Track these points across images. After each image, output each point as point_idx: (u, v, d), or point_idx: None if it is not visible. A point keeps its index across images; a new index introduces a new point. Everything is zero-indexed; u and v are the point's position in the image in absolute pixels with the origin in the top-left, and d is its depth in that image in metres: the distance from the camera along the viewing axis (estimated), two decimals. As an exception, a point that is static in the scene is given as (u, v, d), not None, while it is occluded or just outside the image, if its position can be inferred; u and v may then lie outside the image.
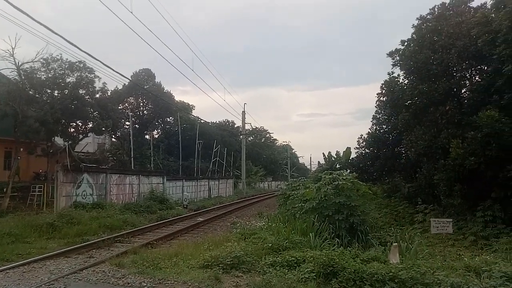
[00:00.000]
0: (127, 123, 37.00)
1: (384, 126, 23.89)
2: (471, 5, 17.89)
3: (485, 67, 15.78)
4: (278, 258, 7.88)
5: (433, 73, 16.34)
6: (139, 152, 34.32)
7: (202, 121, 43.98)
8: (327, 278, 6.73)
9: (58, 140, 24.82)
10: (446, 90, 15.94)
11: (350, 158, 26.07)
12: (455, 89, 16.73)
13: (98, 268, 8.20)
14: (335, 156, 28.36)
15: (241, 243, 9.46)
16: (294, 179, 20.96)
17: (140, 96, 42.72)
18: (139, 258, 8.47)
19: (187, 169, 38.14)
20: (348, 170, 21.58)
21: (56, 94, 22.82)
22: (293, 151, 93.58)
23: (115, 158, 30.21)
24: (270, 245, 8.89)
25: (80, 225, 13.77)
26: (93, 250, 10.82)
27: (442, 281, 6.20)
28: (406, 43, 18.86)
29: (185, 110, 46.29)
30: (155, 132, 46.26)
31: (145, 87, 40.40)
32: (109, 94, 28.25)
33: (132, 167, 28.69)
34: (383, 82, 20.80)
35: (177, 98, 60.59)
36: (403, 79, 19.72)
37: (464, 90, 17.26)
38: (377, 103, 23.50)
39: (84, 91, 23.72)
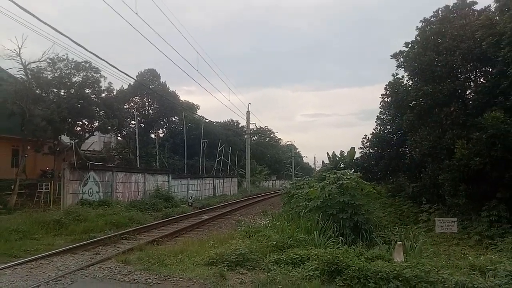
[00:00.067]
0: (133, 122, 37.24)
1: (389, 127, 23.85)
2: (475, 8, 17.88)
3: (490, 69, 15.74)
4: (282, 256, 7.92)
5: (437, 75, 16.31)
6: (145, 151, 34.50)
7: (206, 120, 44.16)
8: (332, 276, 6.77)
9: (65, 139, 25.03)
10: (451, 91, 15.90)
11: (354, 158, 26.03)
12: (459, 91, 16.68)
13: (104, 264, 8.30)
14: (339, 156, 28.31)
15: (245, 240, 9.54)
16: (299, 178, 20.95)
17: (146, 95, 42.96)
18: (145, 255, 8.55)
19: (192, 168, 38.30)
20: (352, 170, 21.53)
21: (62, 93, 23.02)
22: (297, 150, 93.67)
23: (121, 156, 30.39)
24: (274, 243, 8.94)
25: (86, 222, 13.91)
26: (100, 247, 10.94)
27: (446, 279, 6.18)
28: (410, 45, 18.85)
29: (190, 109, 46.49)
30: (160, 131, 46.52)
31: (150, 86, 40.60)
32: (114, 93, 28.44)
33: (138, 166, 28.87)
34: (387, 83, 20.79)
35: (182, 98, 60.79)
36: (407, 81, 19.71)
37: (469, 91, 17.21)
38: (381, 104, 23.46)
39: (90, 91, 23.90)
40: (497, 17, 15.11)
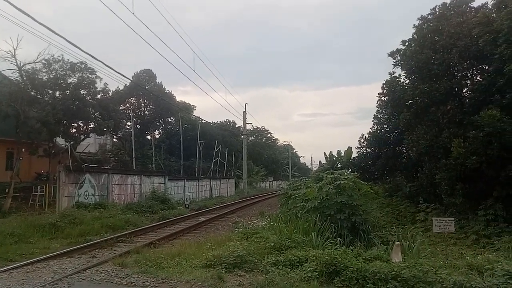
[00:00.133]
0: (129, 123, 37.09)
1: (385, 126, 23.87)
2: (472, 5, 17.86)
3: (487, 67, 15.76)
4: (280, 257, 7.90)
5: (434, 73, 16.33)
6: (141, 152, 34.37)
7: (203, 121, 44.02)
8: (330, 277, 6.76)
9: (60, 141, 24.88)
10: (447, 89, 15.92)
11: (352, 157, 26.07)
12: (456, 89, 16.71)
13: (101, 268, 8.25)
14: (337, 156, 28.35)
15: (243, 242, 9.49)
16: (296, 179, 20.94)
17: (141, 96, 42.76)
18: (142, 258, 8.51)
19: (188, 169, 38.20)
20: (350, 170, 21.55)
21: (57, 95, 22.90)
22: (294, 151, 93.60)
23: (116, 158, 30.25)
24: (272, 244, 8.90)
25: (82, 225, 13.83)
26: (96, 250, 10.88)
27: (444, 279, 6.20)
28: (407, 43, 18.84)
29: (186, 110, 46.34)
30: (156, 132, 46.30)
31: (146, 87, 40.44)
32: (110, 94, 28.27)
33: (134, 167, 28.74)
34: (384, 82, 20.78)
35: (178, 98, 60.42)
36: (404, 79, 19.69)
37: (466, 89, 17.23)
38: (378, 103, 23.47)
39: (85, 92, 23.79)
40: (494, 15, 15.12)
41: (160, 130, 47.23)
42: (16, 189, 19.52)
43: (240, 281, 6.85)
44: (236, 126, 58.59)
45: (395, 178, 23.38)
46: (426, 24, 18.00)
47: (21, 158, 20.62)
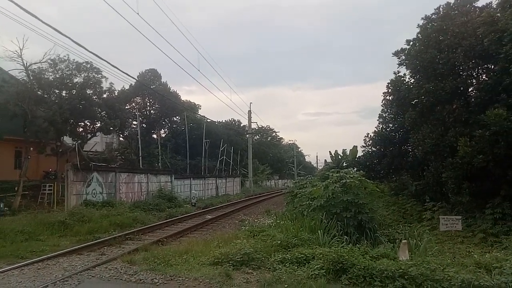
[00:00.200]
0: (135, 122, 37.31)
1: (391, 125, 23.79)
2: (476, 5, 17.78)
3: (492, 66, 15.67)
4: (287, 255, 7.94)
5: (439, 72, 16.27)
6: (147, 151, 34.56)
7: (208, 120, 44.21)
8: (337, 275, 6.78)
9: (67, 140, 25.08)
10: (453, 89, 15.86)
11: (357, 156, 25.98)
12: (462, 88, 16.63)
13: (110, 265, 8.35)
14: (342, 155, 28.28)
15: (250, 240, 9.56)
16: (301, 177, 20.98)
17: (147, 96, 43.02)
18: (150, 255, 8.60)
19: (194, 168, 38.35)
20: (355, 168, 21.53)
21: (64, 94, 23.05)
22: (299, 149, 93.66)
23: (123, 157, 30.44)
24: (279, 242, 8.94)
25: (91, 223, 13.98)
26: (105, 248, 11.00)
27: (452, 277, 6.17)
28: (411, 43, 18.79)
29: (191, 109, 46.51)
30: (162, 131, 46.54)
31: (151, 87, 40.65)
32: (116, 94, 28.43)
33: (140, 166, 28.92)
34: (389, 81, 20.72)
35: (183, 97, 60.86)
36: (409, 78, 19.63)
37: (471, 88, 17.15)
38: (383, 102, 23.38)
39: (91, 91, 23.93)
40: (498, 14, 15.04)
41: (166, 129, 47.48)
42: (25, 188, 19.76)
43: (248, 278, 6.91)
44: (241, 125, 58.70)
45: (401, 176, 23.32)
46: (430, 24, 17.96)
47: (29, 157, 20.85)
